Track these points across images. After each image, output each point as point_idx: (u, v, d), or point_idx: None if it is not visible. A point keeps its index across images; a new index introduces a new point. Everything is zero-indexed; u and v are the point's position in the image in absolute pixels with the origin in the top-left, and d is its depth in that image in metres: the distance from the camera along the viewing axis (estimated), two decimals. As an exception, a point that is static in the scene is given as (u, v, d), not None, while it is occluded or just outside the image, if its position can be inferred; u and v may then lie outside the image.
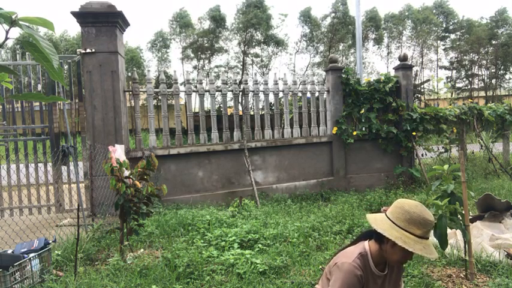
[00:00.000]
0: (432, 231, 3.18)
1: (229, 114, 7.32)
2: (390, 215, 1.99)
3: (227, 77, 7.20)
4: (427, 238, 1.92)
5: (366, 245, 2.06)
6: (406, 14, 31.19)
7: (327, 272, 2.10)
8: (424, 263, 3.69)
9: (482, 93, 32.82)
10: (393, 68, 8.54)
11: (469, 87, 32.85)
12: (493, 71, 32.28)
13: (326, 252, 3.96)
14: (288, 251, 3.95)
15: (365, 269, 1.98)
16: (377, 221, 2.00)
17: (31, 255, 3.31)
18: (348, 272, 1.92)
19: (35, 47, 1.26)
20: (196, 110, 8.79)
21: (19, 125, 6.12)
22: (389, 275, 2.11)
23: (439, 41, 32.84)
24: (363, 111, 7.86)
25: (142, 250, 4.27)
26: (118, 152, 3.95)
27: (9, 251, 3.41)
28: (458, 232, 3.74)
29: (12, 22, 1.21)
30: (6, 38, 1.26)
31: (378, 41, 30.20)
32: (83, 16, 5.77)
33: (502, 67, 31.96)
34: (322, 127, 7.79)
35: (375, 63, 57.46)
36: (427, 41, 31.77)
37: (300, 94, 7.80)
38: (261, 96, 7.40)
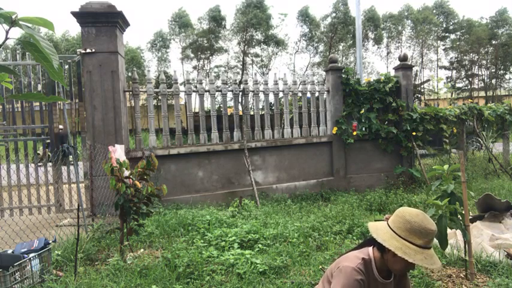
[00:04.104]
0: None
1: (229, 114, 7.32)
2: (391, 224, 1.96)
3: (227, 77, 7.20)
4: (429, 248, 1.89)
5: (370, 251, 2.04)
6: (406, 14, 31.21)
7: (328, 275, 2.09)
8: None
9: (482, 93, 32.83)
10: (393, 68, 8.54)
11: (469, 87, 32.86)
12: (493, 71, 32.29)
13: (326, 252, 3.96)
14: (288, 251, 3.95)
15: (367, 274, 1.96)
16: (378, 230, 1.98)
17: (31, 255, 3.31)
18: (350, 276, 1.91)
19: (35, 47, 1.26)
20: (196, 110, 8.79)
21: (19, 125, 6.12)
22: (394, 282, 2.08)
23: (439, 41, 32.85)
24: (362, 111, 7.86)
25: (142, 250, 4.27)
26: (118, 152, 3.95)
27: (9, 251, 3.41)
28: (458, 232, 3.74)
29: (12, 22, 1.21)
30: (6, 38, 1.26)
31: (378, 41, 30.22)
32: (83, 16, 5.77)
33: (502, 67, 31.98)
34: (322, 127, 7.79)
35: (374, 63, 57.56)
36: (427, 41, 31.78)
37: (300, 94, 7.80)
38: (261, 96, 7.40)
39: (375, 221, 2.16)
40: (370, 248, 2.06)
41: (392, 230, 1.94)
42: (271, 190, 7.10)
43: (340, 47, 28.80)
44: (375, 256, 2.01)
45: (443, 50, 33.26)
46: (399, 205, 6.00)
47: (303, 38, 28.28)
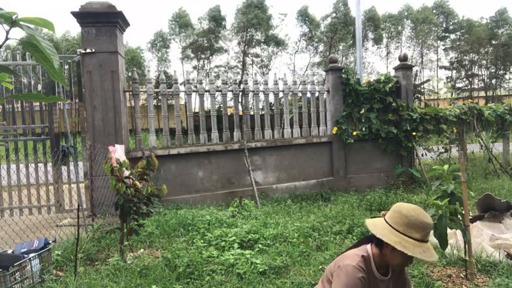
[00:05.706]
0: (432, 232, 3.18)
1: (229, 114, 7.31)
2: (389, 220, 1.99)
3: (227, 77, 7.20)
4: (427, 241, 1.92)
5: (369, 248, 2.05)
6: (405, 14, 31.22)
7: (328, 274, 2.09)
8: (424, 263, 3.69)
9: (482, 93, 32.84)
10: (393, 68, 8.54)
11: (469, 87, 32.87)
12: (493, 71, 32.30)
13: (326, 252, 3.96)
14: (288, 251, 3.95)
15: (367, 272, 1.97)
16: (376, 226, 2.00)
17: (31, 255, 3.31)
18: (351, 274, 1.92)
19: (36, 47, 1.26)
20: (196, 110, 8.79)
21: (19, 125, 6.12)
22: (392, 279, 2.09)
23: (439, 41, 32.86)
24: (363, 111, 7.86)
25: (142, 250, 4.27)
26: (118, 152, 3.96)
27: (9, 251, 3.41)
28: (458, 232, 3.74)
29: (13, 22, 1.21)
30: (7, 39, 1.26)
31: (377, 41, 30.22)
32: (83, 16, 5.77)
33: (502, 67, 31.98)
34: (322, 127, 7.79)
35: (374, 63, 57.56)
36: (426, 41, 31.80)
37: (300, 94, 7.80)
38: (261, 96, 7.40)
39: (371, 217, 2.18)
40: (368, 246, 2.07)
41: (390, 225, 1.96)
42: (271, 190, 7.10)
43: (340, 47, 28.79)
44: (374, 253, 2.03)
45: (443, 50, 33.29)
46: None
47: (303, 38, 28.29)
